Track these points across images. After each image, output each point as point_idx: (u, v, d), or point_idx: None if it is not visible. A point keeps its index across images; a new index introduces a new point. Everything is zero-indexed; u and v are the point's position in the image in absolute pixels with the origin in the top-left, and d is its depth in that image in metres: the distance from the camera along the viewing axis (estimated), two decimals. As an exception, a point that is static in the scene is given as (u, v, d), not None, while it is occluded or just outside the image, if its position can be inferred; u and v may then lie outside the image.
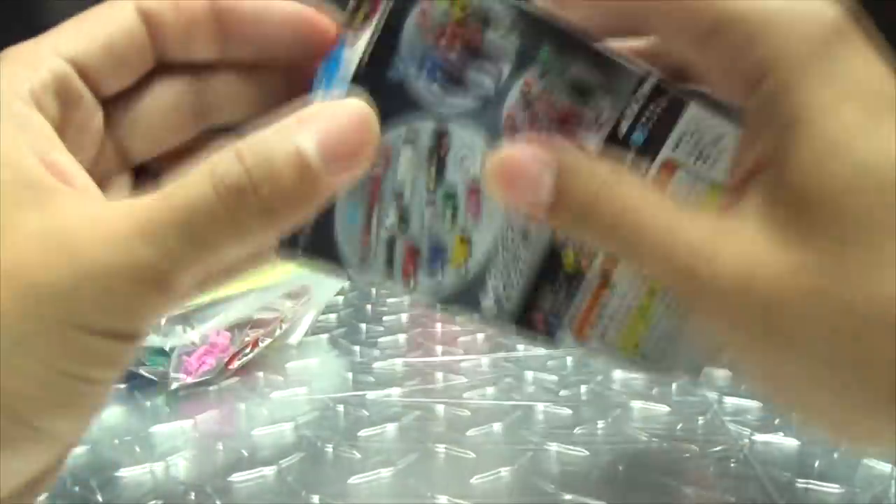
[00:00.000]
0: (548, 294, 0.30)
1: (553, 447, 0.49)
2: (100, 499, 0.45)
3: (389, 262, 0.26)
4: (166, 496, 0.46)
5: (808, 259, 0.20)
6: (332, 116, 0.21)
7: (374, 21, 0.24)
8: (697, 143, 0.28)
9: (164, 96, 0.26)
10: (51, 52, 0.23)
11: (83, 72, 0.24)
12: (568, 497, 0.44)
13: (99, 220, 0.20)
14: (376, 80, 0.24)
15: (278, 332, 0.63)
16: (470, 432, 0.51)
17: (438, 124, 0.26)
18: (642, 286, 0.31)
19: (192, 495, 0.46)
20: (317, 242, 0.25)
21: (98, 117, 0.25)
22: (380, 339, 0.66)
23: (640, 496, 0.44)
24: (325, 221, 0.25)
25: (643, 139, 0.28)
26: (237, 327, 0.61)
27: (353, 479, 0.46)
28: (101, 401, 0.22)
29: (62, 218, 0.20)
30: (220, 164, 0.20)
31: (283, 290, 0.64)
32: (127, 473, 0.48)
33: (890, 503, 0.43)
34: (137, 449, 0.50)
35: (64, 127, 0.23)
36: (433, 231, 0.26)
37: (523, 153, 0.23)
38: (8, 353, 0.19)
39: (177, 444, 0.51)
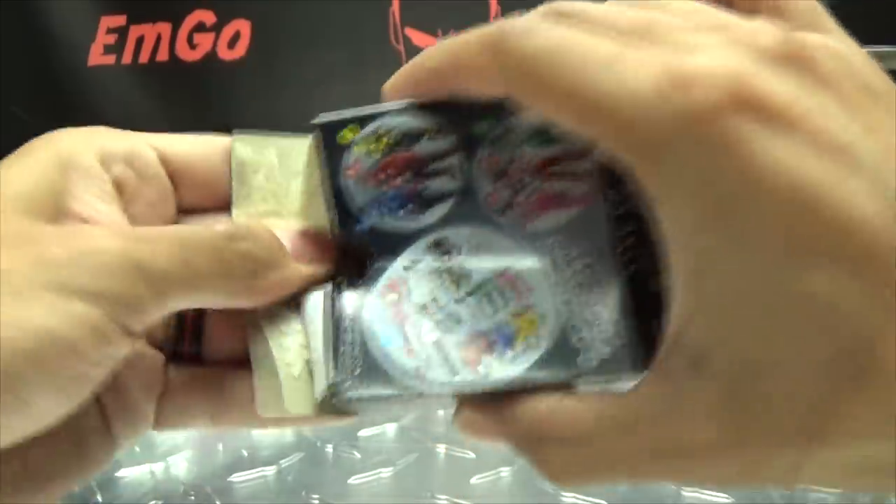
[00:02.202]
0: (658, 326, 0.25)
1: (553, 447, 0.49)
2: (100, 499, 0.45)
3: (446, 361, 0.25)
4: (166, 496, 0.46)
5: (752, 444, 0.19)
6: None
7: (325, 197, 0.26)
8: None
9: None
10: (137, 136, 0.26)
11: (165, 160, 0.26)
12: (568, 497, 0.44)
13: (118, 228, 0.24)
14: (352, 237, 0.26)
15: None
16: (470, 432, 0.51)
17: (432, 238, 0.25)
18: None
19: (192, 495, 0.46)
20: (368, 375, 0.25)
21: (171, 203, 0.27)
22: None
23: (640, 496, 0.44)
24: (365, 356, 0.25)
25: None
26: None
27: (353, 479, 0.46)
28: (80, 387, 0.22)
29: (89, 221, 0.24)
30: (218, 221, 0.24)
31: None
32: (127, 473, 0.48)
33: (890, 503, 0.43)
34: (137, 449, 0.50)
35: (134, 196, 0.26)
36: (479, 321, 0.25)
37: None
38: (7, 306, 0.20)
39: (177, 444, 0.51)
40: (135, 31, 0.97)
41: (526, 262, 0.25)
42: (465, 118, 0.25)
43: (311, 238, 0.26)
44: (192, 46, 0.95)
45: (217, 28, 0.97)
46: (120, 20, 0.96)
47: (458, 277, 0.25)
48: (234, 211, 0.26)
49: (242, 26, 0.98)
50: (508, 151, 0.25)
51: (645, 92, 0.18)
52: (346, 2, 0.98)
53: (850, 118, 0.18)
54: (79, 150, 0.25)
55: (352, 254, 0.26)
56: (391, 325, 0.25)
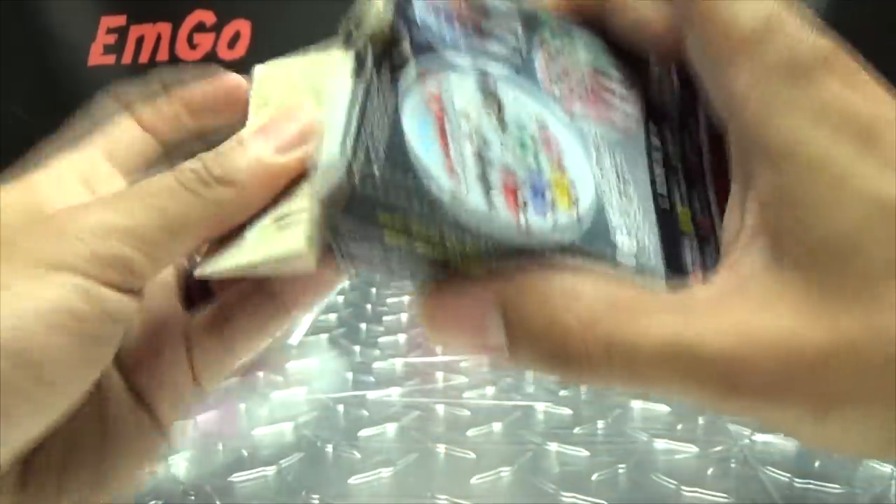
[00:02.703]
0: (689, 253, 0.24)
1: (553, 447, 0.49)
2: (100, 499, 0.45)
3: (486, 189, 0.21)
4: (166, 496, 0.46)
5: (845, 319, 0.18)
6: (279, 115, 0.26)
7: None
8: None
9: None
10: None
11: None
12: (568, 497, 0.44)
13: (82, 203, 0.24)
14: (409, 35, 0.23)
15: (278, 331, 0.63)
16: (470, 432, 0.51)
17: (482, 76, 0.24)
18: None
19: (192, 495, 0.46)
20: (397, 163, 0.20)
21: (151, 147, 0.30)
22: (380, 339, 0.66)
23: (640, 496, 0.44)
24: (398, 144, 0.20)
25: (677, 105, 0.26)
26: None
27: (353, 479, 0.46)
28: (93, 350, 0.23)
29: (57, 211, 0.24)
30: (182, 164, 0.25)
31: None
32: (127, 473, 0.48)
33: (890, 503, 0.43)
34: (137, 449, 0.50)
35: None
36: (522, 162, 0.22)
37: (459, 297, 0.21)
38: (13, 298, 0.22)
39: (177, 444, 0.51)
40: (135, 31, 0.97)
41: (565, 131, 0.24)
42: (533, 18, 0.26)
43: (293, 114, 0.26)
44: (192, 46, 0.95)
45: (217, 28, 0.97)
46: (120, 20, 0.96)
47: (499, 108, 0.23)
48: (248, 121, 0.27)
49: (242, 26, 0.98)
50: (567, 47, 0.26)
51: (757, 20, 0.21)
52: (346, 2, 0.98)
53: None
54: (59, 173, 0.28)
55: (386, 42, 0.23)
56: (430, 127, 0.21)
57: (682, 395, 0.19)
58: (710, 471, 0.46)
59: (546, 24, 0.26)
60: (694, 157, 0.25)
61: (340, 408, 0.55)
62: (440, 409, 0.54)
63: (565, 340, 0.19)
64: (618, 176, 0.24)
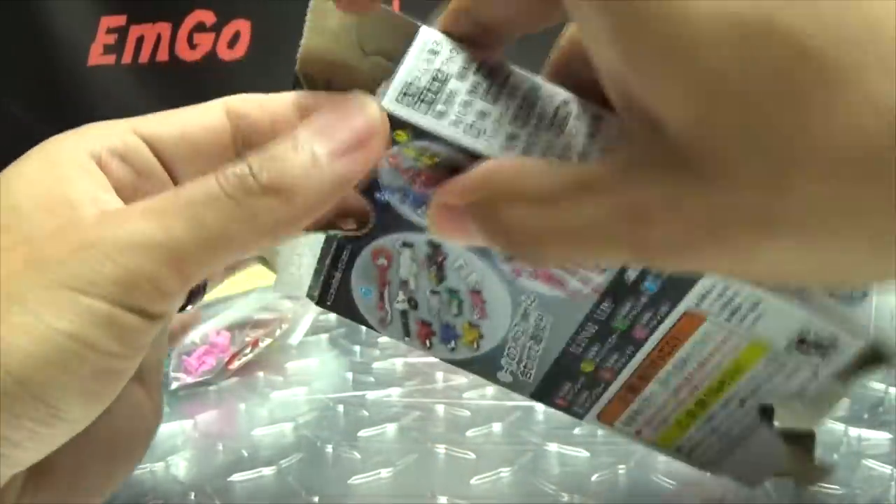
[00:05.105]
0: (568, 388, 0.33)
1: (553, 447, 0.49)
2: (100, 499, 0.45)
3: (406, 329, 0.31)
4: (166, 496, 0.46)
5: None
6: (333, 109, 0.23)
7: None
8: (728, 301, 0.29)
9: None
10: (127, 128, 0.25)
11: (157, 150, 0.25)
12: (568, 497, 0.44)
13: (117, 210, 0.22)
14: (370, 197, 0.28)
15: (278, 332, 0.63)
16: (470, 432, 0.51)
17: (431, 238, 0.28)
18: (687, 398, 0.33)
19: (192, 495, 0.46)
20: (342, 305, 0.32)
21: None
22: (380, 339, 0.66)
23: (640, 497, 0.44)
24: (344, 293, 0.31)
25: (656, 289, 0.29)
26: (237, 327, 0.62)
27: (353, 480, 0.46)
28: (109, 384, 0.22)
29: (84, 213, 0.22)
30: (227, 166, 0.22)
31: (283, 290, 0.64)
32: (127, 473, 0.48)
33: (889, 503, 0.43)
34: (137, 449, 0.50)
35: (132, 195, 0.24)
36: (442, 316, 0.30)
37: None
38: (9, 313, 0.20)
39: (177, 444, 0.51)
40: (135, 31, 0.97)
41: (499, 298, 0.29)
42: None
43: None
44: (192, 46, 0.95)
45: (217, 28, 0.97)
46: (120, 20, 0.96)
47: (440, 274, 0.29)
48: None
49: (242, 26, 0.98)
50: None
51: None
52: (345, 2, 0.98)
53: None
54: (70, 151, 0.24)
55: (353, 212, 0.29)
56: (373, 283, 0.30)
57: None
58: (709, 472, 0.45)
59: None
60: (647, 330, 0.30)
61: (340, 408, 0.55)
62: (440, 409, 0.54)
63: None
64: (535, 335, 0.31)
